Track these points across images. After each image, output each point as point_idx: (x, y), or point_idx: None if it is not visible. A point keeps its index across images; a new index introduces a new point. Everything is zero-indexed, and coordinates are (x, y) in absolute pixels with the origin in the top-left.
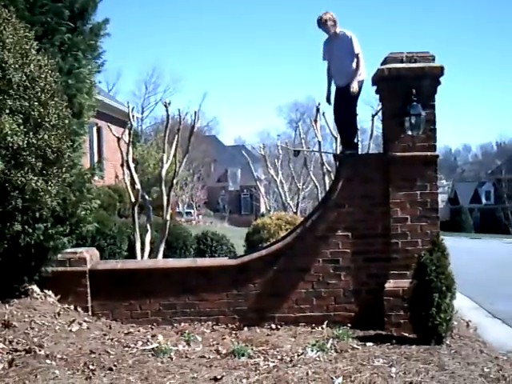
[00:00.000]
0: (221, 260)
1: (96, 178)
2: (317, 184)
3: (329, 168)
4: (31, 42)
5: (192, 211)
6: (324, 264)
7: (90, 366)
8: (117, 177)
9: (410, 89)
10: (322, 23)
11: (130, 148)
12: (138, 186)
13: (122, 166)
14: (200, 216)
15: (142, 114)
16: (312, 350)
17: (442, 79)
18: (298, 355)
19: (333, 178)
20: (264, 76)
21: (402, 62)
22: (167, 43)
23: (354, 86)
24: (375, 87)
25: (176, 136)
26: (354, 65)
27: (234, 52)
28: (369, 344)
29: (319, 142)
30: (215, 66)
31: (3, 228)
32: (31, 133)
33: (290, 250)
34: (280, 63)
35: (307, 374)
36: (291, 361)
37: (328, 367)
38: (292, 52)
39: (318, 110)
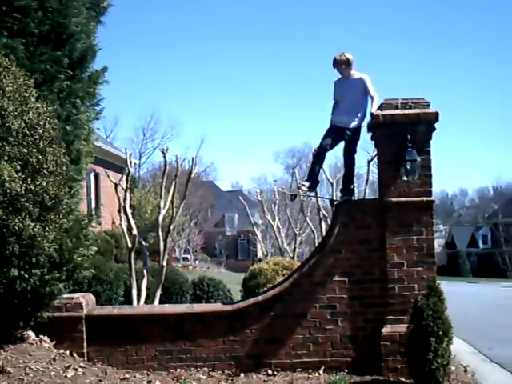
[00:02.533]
0: (217, 306)
1: (93, 223)
2: (313, 229)
3: (325, 213)
4: (30, 89)
5: (189, 256)
6: (321, 309)
7: None
8: (114, 222)
9: (406, 135)
10: (336, 64)
11: (128, 194)
12: (135, 231)
13: (119, 211)
14: (197, 261)
15: (140, 159)
16: None
17: (436, 125)
18: None
19: (329, 223)
20: (261, 122)
21: (396, 108)
22: (165, 89)
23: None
24: (370, 133)
25: (173, 182)
26: (369, 106)
27: (230, 97)
28: None
29: None
30: (212, 112)
31: (0, 273)
32: (29, 179)
33: (287, 295)
34: (277, 109)
35: None
36: None
37: None
38: (289, 98)
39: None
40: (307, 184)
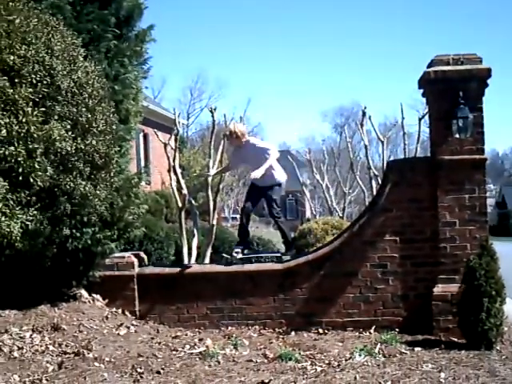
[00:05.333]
0: (267, 265)
1: (143, 183)
2: (363, 188)
3: (376, 172)
4: (78, 48)
5: (237, 216)
6: (372, 269)
7: (138, 369)
8: (163, 183)
9: (457, 91)
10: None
11: (177, 154)
12: (185, 191)
13: (168, 171)
14: None
15: (188, 120)
16: (360, 355)
17: (489, 81)
18: (346, 360)
19: (380, 182)
20: (308, 80)
21: (448, 64)
22: (212, 49)
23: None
24: (421, 90)
25: (222, 142)
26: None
27: (277, 56)
28: (417, 349)
29: (366, 146)
30: (259, 71)
31: (52, 232)
32: (79, 138)
33: (337, 254)
34: (324, 67)
35: (355, 378)
36: (339, 365)
37: (376, 372)
38: (336, 56)
39: (364, 113)
40: (240, 250)
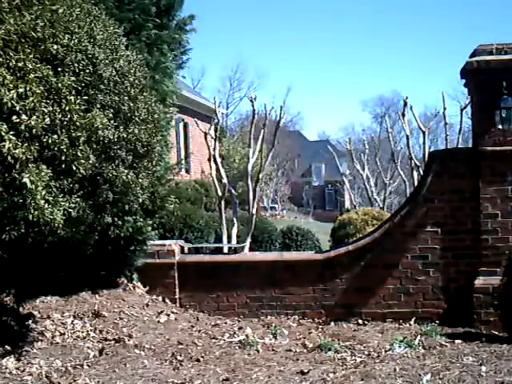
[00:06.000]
0: (307, 254)
1: (183, 172)
2: (404, 179)
3: (417, 162)
4: (120, 37)
5: (276, 206)
6: (412, 260)
7: (178, 357)
8: (203, 172)
9: (500, 81)
10: None
11: (217, 143)
12: (225, 180)
13: (209, 160)
14: (284, 211)
15: (227, 109)
16: (399, 346)
17: None
18: (386, 351)
19: (421, 172)
20: (348, 69)
21: (491, 53)
22: (251, 38)
23: None
24: (463, 80)
25: (262, 131)
26: None
27: (317, 45)
28: (457, 341)
29: (407, 137)
30: (298, 60)
31: (94, 220)
32: (121, 127)
33: (377, 245)
34: (364, 57)
35: (395, 369)
36: (378, 356)
37: (416, 364)
38: (377, 45)
39: (405, 103)
40: None
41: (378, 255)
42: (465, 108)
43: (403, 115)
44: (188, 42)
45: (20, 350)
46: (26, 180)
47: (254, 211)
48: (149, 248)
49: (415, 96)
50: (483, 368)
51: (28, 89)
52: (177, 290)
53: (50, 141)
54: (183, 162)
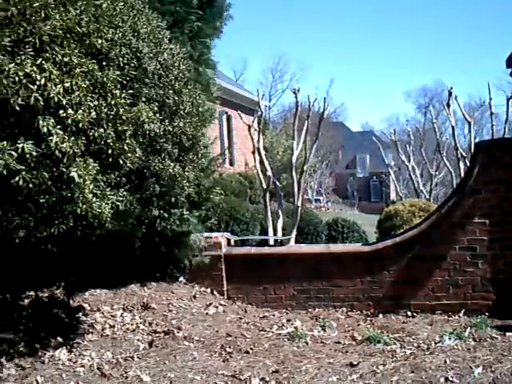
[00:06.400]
0: (354, 246)
1: (227, 165)
2: (451, 170)
3: (463, 153)
4: (163, 31)
5: (321, 198)
6: (461, 251)
7: (227, 349)
8: (247, 164)
9: None
10: None
11: (261, 135)
12: (270, 172)
13: (253, 153)
14: (329, 203)
15: (270, 101)
16: (449, 338)
17: None
18: (435, 343)
19: (467, 163)
20: (391, 60)
21: None
22: (292, 30)
23: None
24: (509, 70)
25: (306, 122)
26: None
27: (359, 36)
28: (508, 334)
29: (453, 127)
30: (341, 51)
31: (141, 213)
32: (167, 120)
33: (425, 237)
34: (408, 47)
35: (445, 362)
36: (428, 348)
37: (466, 356)
38: (420, 36)
39: (450, 93)
40: None
41: (426, 247)
42: (511, 98)
43: (448, 105)
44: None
45: (71, 342)
46: (73, 174)
47: (300, 203)
48: (195, 240)
49: (459, 86)
50: None
51: (74, 83)
52: (224, 282)
53: (96, 135)
54: (226, 153)
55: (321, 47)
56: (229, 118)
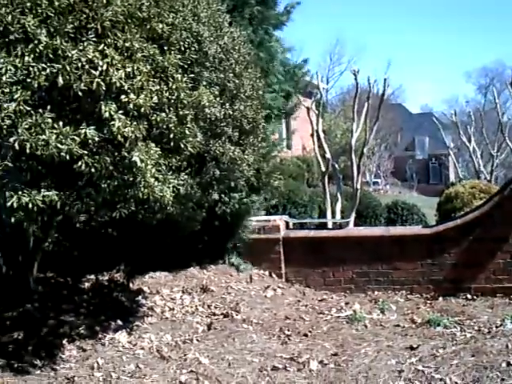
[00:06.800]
0: (414, 229)
1: (285, 148)
2: None
3: None
4: (224, 15)
5: (379, 181)
6: None
7: (286, 332)
8: (304, 148)
9: None
10: None
11: (320, 118)
12: (328, 155)
13: (311, 136)
14: (387, 185)
15: (328, 84)
16: (511, 322)
17: None
18: (497, 327)
19: None
20: (450, 40)
21: None
22: (350, 11)
23: None
24: None
25: (366, 104)
26: None
27: (417, 18)
28: None
29: None
30: (399, 33)
31: (201, 197)
32: (227, 104)
33: (487, 218)
34: (467, 27)
35: (507, 346)
36: (489, 332)
37: None
38: (480, 15)
39: None
40: None
41: (488, 229)
42: None
43: (511, 84)
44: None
45: (131, 325)
46: (135, 158)
47: (359, 186)
48: (255, 223)
49: None
50: None
51: (135, 68)
52: (282, 265)
53: (158, 119)
54: (286, 139)
55: (378, 28)
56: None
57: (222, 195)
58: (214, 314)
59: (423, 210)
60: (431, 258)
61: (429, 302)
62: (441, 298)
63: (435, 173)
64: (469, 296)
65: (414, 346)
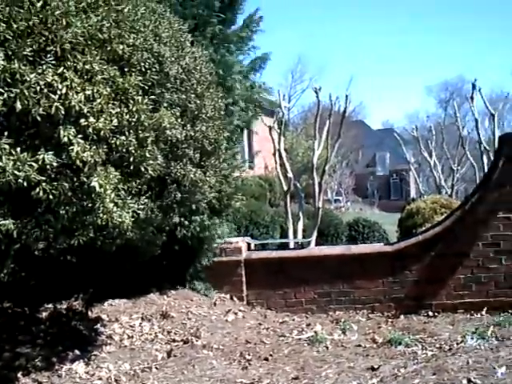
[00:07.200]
0: (376, 246)
1: (247, 168)
2: (474, 164)
3: (487, 147)
4: (185, 34)
5: (340, 198)
6: (484, 248)
7: (246, 356)
8: (266, 167)
9: None
10: None
11: (281, 137)
12: (290, 174)
13: (273, 154)
14: (349, 203)
15: (289, 102)
16: (472, 338)
17: None
18: (458, 343)
19: (491, 157)
20: (410, 57)
21: None
22: (311, 29)
23: None
24: None
25: (327, 121)
26: None
27: (377, 34)
28: None
29: (476, 120)
30: (359, 50)
31: (162, 221)
32: (189, 125)
33: (448, 234)
34: (428, 42)
35: (468, 363)
36: (450, 349)
37: (490, 356)
38: (440, 30)
39: (473, 86)
40: None
41: (449, 244)
42: None
43: (472, 98)
44: (253, 39)
45: (89, 355)
46: (94, 183)
47: (320, 204)
48: (215, 246)
49: (479, 79)
50: None
51: (95, 91)
52: (244, 287)
53: (117, 142)
54: (248, 158)
55: (340, 46)
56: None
57: (183, 218)
58: (174, 341)
59: (385, 227)
60: (393, 276)
61: (390, 320)
62: (402, 316)
63: (396, 189)
64: (430, 313)
65: (376, 366)
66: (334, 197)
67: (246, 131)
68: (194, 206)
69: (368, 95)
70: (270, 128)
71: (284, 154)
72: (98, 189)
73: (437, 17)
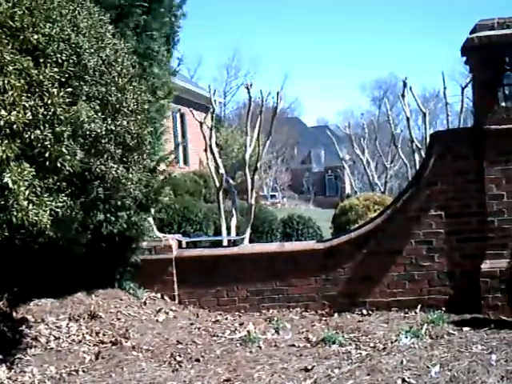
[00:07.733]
0: (309, 244)
1: (181, 164)
2: (406, 162)
3: (419, 145)
4: (106, 25)
5: (276, 194)
6: (416, 245)
7: (177, 358)
8: (201, 163)
9: (503, 57)
10: None
11: (213, 133)
12: (222, 170)
13: (205, 150)
14: (284, 199)
15: (225, 98)
16: (406, 337)
17: None
18: (392, 342)
19: (423, 155)
20: (345, 54)
21: (493, 28)
22: (247, 25)
23: None
24: (464, 58)
25: (258, 118)
26: None
27: (312, 32)
28: (465, 329)
29: (407, 118)
30: (295, 46)
31: (85, 218)
32: (109, 119)
33: (380, 231)
34: (360, 40)
35: (402, 362)
36: (384, 348)
37: (424, 355)
38: (372, 28)
39: (405, 84)
40: None
41: (382, 242)
42: (465, 87)
43: (403, 96)
44: (179, 27)
45: (12, 358)
46: (7, 180)
47: (253, 201)
48: (145, 244)
49: (413, 78)
50: (493, 356)
51: (7, 82)
52: (175, 286)
53: (32, 137)
54: (180, 152)
55: (276, 41)
56: (182, 116)
57: (109, 215)
58: (102, 342)
59: (319, 223)
60: (325, 274)
61: (324, 318)
62: (336, 314)
63: (331, 185)
64: (364, 311)
65: (309, 367)
66: (270, 193)
67: (179, 126)
68: (119, 203)
69: (303, 92)
70: (201, 123)
71: (216, 150)
72: (11, 185)
73: (372, 16)
